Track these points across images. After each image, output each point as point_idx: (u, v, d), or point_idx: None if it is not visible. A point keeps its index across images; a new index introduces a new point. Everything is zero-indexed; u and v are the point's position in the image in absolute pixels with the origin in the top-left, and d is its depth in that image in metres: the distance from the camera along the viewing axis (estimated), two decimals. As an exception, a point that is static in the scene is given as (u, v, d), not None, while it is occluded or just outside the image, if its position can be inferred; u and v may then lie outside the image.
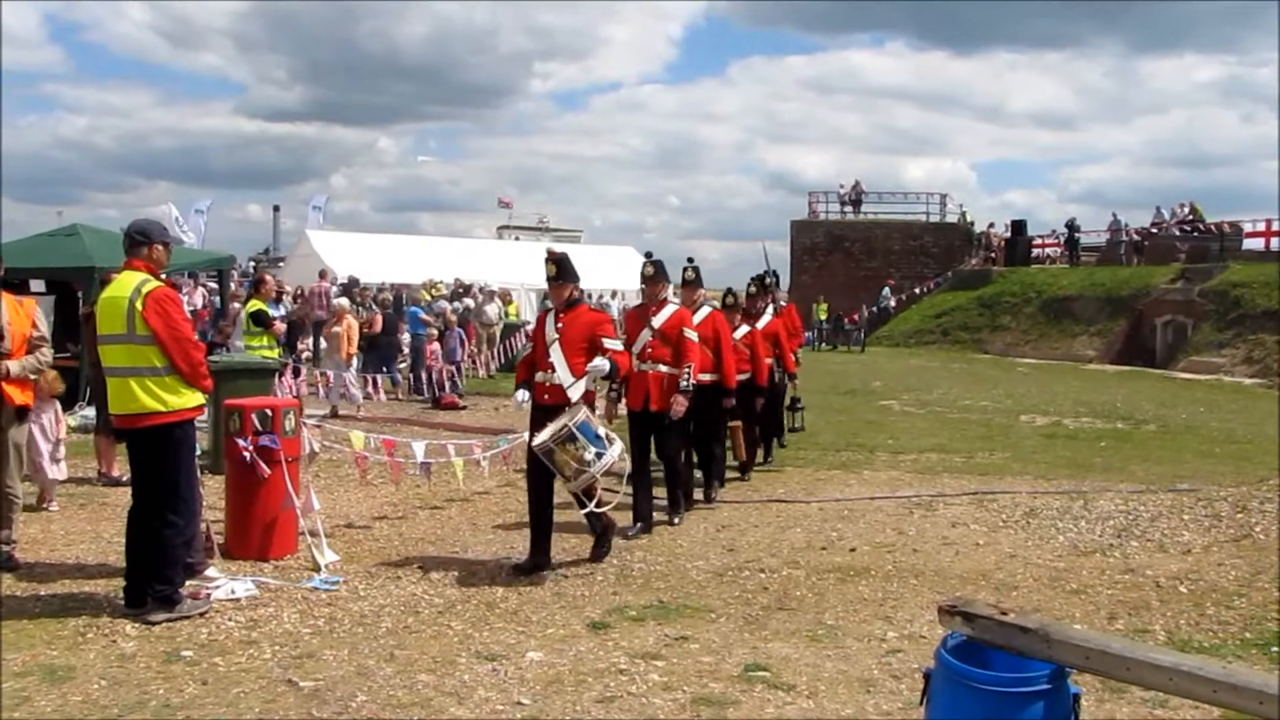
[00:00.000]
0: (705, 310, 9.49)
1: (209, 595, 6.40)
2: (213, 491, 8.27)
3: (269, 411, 7.42)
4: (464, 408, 16.98)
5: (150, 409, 6.04)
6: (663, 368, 8.34)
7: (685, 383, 8.21)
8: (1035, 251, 39.94)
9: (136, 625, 5.90)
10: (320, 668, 5.31)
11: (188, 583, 6.61)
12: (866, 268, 41.14)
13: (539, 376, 7.35)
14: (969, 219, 42.82)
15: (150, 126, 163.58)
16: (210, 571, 6.78)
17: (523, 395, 7.60)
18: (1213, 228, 33.69)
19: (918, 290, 39.47)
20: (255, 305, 12.73)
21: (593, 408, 7.41)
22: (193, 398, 6.19)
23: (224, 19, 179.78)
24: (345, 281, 24.90)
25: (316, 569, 7.02)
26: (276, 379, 11.98)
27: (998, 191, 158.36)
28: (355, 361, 16.43)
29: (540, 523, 7.28)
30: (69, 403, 12.50)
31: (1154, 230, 36.14)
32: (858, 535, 8.35)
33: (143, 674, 5.20)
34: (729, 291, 10.58)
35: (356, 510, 9.10)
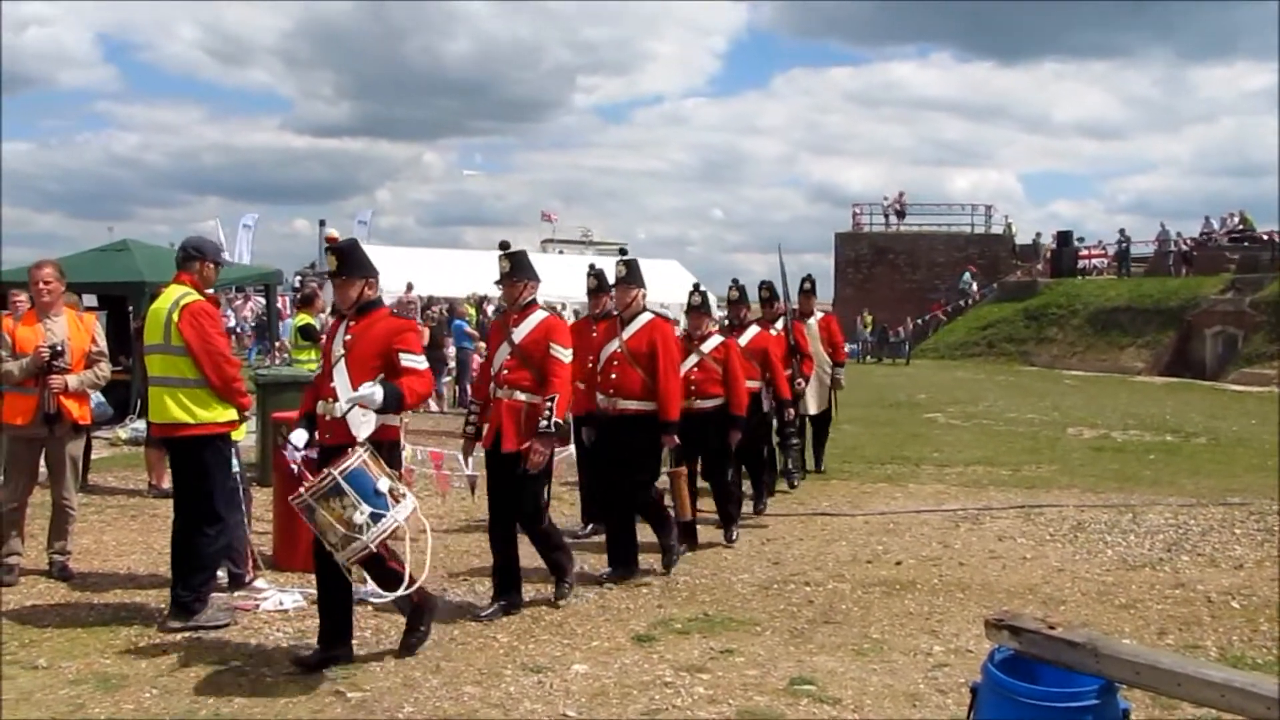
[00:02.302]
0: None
1: (257, 607, 6.47)
2: (260, 504, 8.35)
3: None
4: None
5: (179, 420, 6.19)
6: (520, 395, 6.43)
7: (546, 421, 6.32)
8: (1082, 263, 39.60)
9: (186, 635, 5.97)
10: (367, 679, 5.35)
11: (236, 594, 6.72)
12: (911, 280, 40.95)
13: (319, 408, 5.66)
14: (1014, 230, 42.56)
15: (200, 143, 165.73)
16: (259, 583, 6.87)
17: (300, 437, 5.70)
18: (1263, 237, 33.28)
19: (963, 303, 39.22)
20: (304, 320, 12.85)
21: (389, 449, 5.64)
22: (224, 413, 6.28)
23: (272, 37, 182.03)
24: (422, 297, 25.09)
25: (363, 581, 7.06)
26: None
27: (1044, 203, 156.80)
28: None
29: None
30: (120, 416, 12.69)
31: (1203, 240, 35.77)
32: (903, 549, 8.30)
33: (193, 683, 5.26)
34: (694, 289, 8.54)
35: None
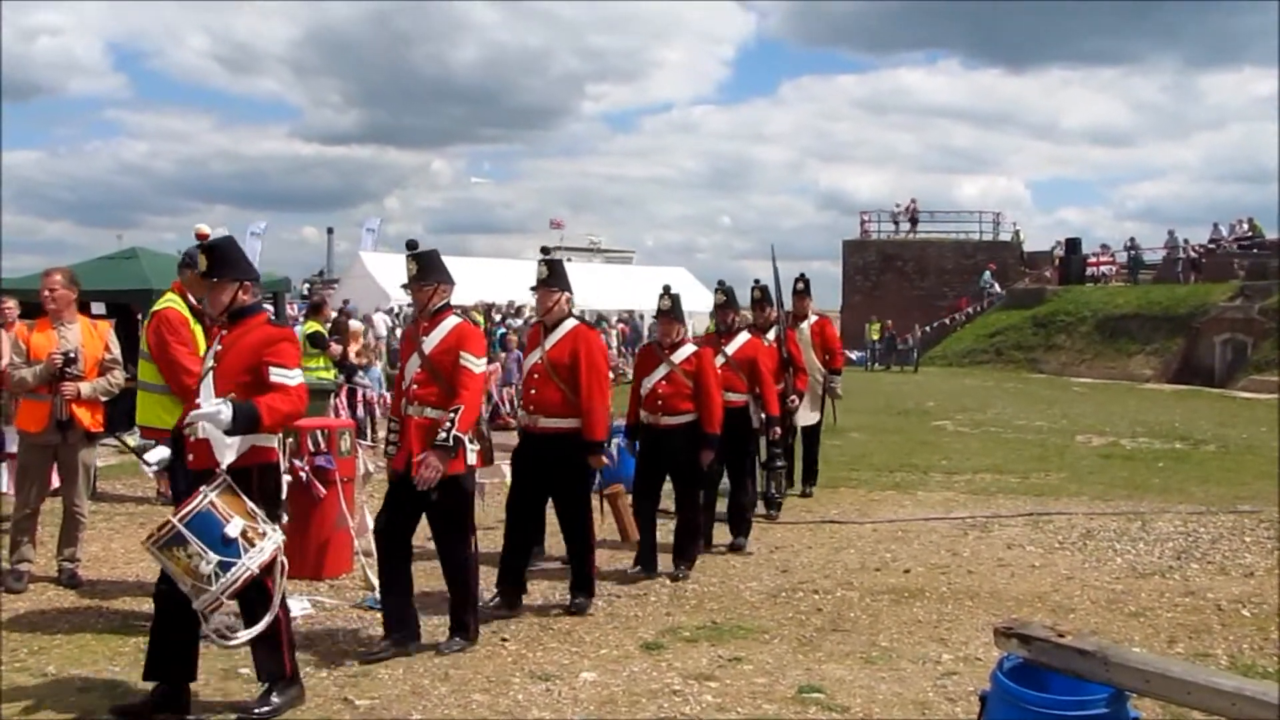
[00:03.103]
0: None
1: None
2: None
3: (325, 432, 7.51)
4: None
5: (149, 423, 6.40)
6: (430, 412, 5.81)
7: (445, 434, 5.66)
8: (1090, 270, 39.53)
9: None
10: (375, 686, 5.35)
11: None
12: (919, 287, 40.87)
13: (188, 425, 5.08)
14: (1022, 237, 42.49)
15: (208, 151, 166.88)
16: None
17: (157, 455, 5.27)
18: (1272, 244, 33.20)
19: (971, 310, 39.17)
20: (312, 327, 12.89)
21: (262, 475, 4.98)
22: None
23: (281, 46, 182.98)
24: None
25: (371, 588, 7.07)
26: (331, 399, 12.11)
27: (1053, 210, 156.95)
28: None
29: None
30: (128, 424, 12.71)
31: (1212, 247, 35.70)
32: (912, 556, 8.29)
33: (201, 691, 5.26)
34: (664, 291, 7.76)
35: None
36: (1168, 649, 6.07)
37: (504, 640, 6.11)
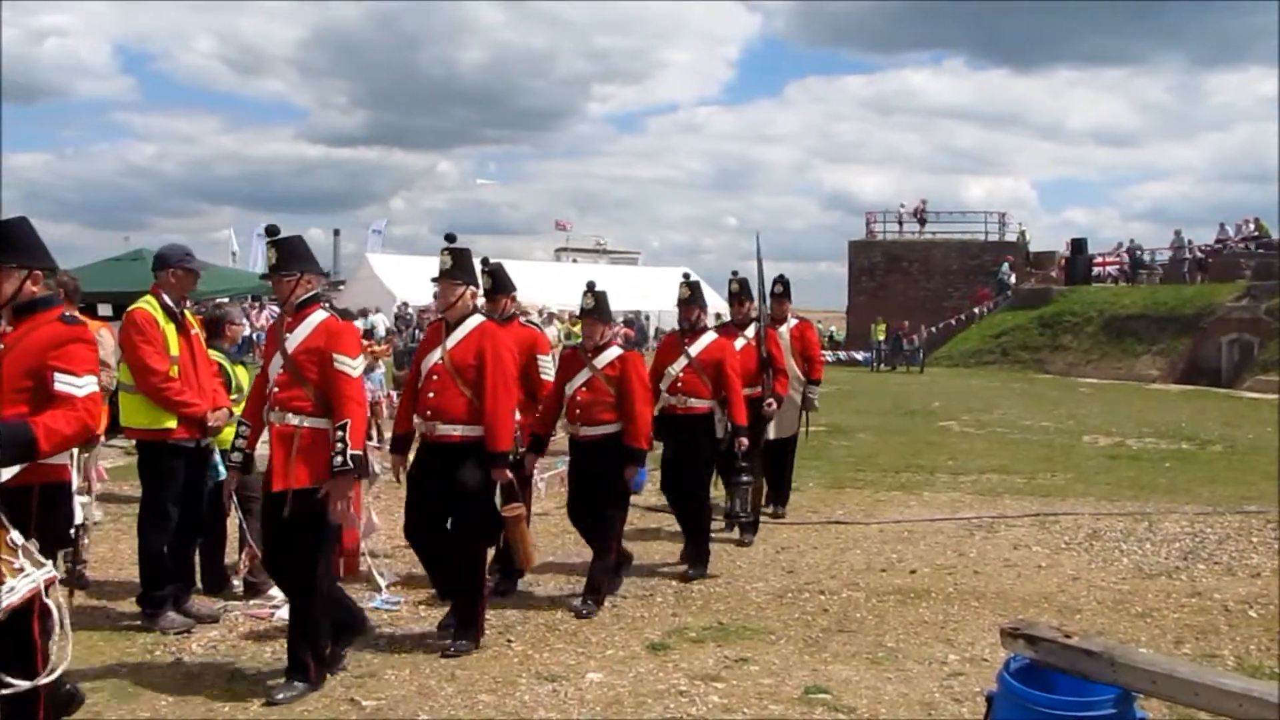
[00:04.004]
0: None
1: (272, 615, 6.49)
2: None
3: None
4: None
5: (132, 424, 6.46)
6: (292, 419, 5.18)
7: (340, 456, 5.04)
8: (1096, 270, 39.46)
9: (202, 644, 6.00)
10: (382, 687, 5.36)
11: (251, 602, 6.74)
12: (925, 288, 40.81)
13: None
14: (1028, 238, 42.43)
15: (215, 153, 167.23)
16: (272, 591, 6.87)
17: None
18: (1278, 244, 33.13)
19: (976, 310, 39.12)
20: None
21: (52, 498, 4.09)
22: (160, 419, 6.29)
23: (287, 47, 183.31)
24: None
25: (378, 589, 7.08)
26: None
27: (1059, 210, 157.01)
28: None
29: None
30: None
31: (1218, 247, 35.63)
32: (918, 557, 8.28)
33: (208, 691, 5.28)
34: (588, 288, 7.04)
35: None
36: (1174, 650, 6.06)
37: (510, 641, 6.12)
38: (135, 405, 6.32)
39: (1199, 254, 35.74)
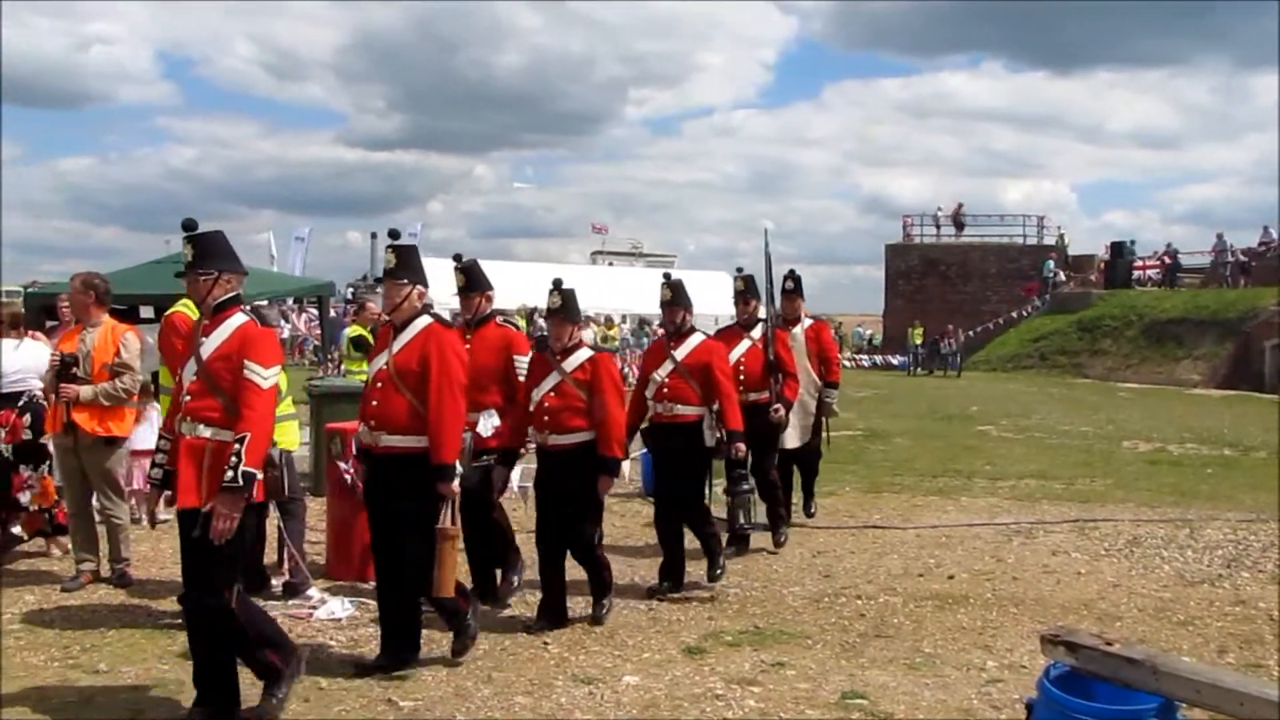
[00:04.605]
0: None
1: (311, 615, 6.53)
2: (314, 514, 8.42)
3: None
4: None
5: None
6: (205, 431, 4.76)
7: (232, 471, 4.57)
8: (1136, 273, 39.11)
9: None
10: (419, 688, 5.38)
11: (290, 602, 6.78)
12: (962, 291, 40.59)
13: None
14: (1067, 241, 42.11)
15: (255, 157, 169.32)
16: (311, 592, 6.92)
17: None
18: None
19: (1015, 314, 38.87)
20: (356, 331, 12.96)
21: None
22: None
23: (326, 52, 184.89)
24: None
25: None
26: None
27: (1099, 213, 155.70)
28: None
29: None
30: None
31: (1261, 250, 35.22)
32: (956, 562, 8.23)
33: (247, 690, 5.30)
34: (554, 287, 6.48)
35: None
36: (1218, 659, 5.99)
37: (546, 643, 6.13)
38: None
39: (1241, 257, 35.35)
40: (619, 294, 30.82)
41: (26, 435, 7.68)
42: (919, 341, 36.62)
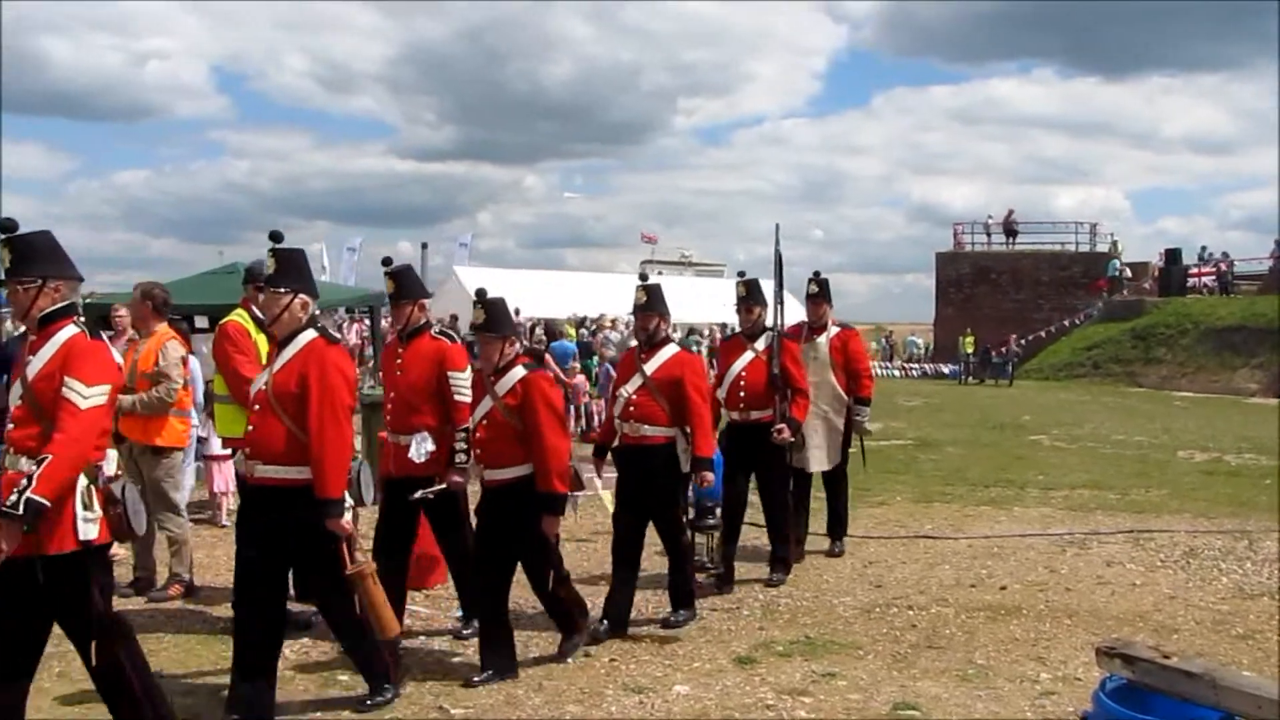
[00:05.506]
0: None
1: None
2: (366, 520, 8.47)
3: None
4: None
5: (227, 433, 6.64)
6: (25, 463, 4.12)
7: (17, 493, 3.95)
8: (1191, 281, 38.59)
9: (295, 650, 6.11)
10: (470, 696, 5.41)
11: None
12: (1014, 299, 40.22)
13: None
14: (1120, 248, 41.63)
15: (307, 169, 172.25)
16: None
17: None
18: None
19: (1067, 322, 38.48)
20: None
21: None
22: None
23: (377, 65, 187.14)
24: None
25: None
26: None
27: (1153, 220, 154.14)
28: None
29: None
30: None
31: (1321, 257, 34.67)
32: (1008, 573, 8.16)
33: (301, 697, 5.38)
34: (478, 298, 5.89)
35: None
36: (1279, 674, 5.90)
37: (596, 653, 6.14)
38: (231, 415, 6.46)
39: (1300, 264, 34.81)
40: (669, 303, 30.86)
41: None
42: (970, 350, 36.35)
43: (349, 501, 4.96)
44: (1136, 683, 3.62)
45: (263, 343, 6.46)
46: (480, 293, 5.86)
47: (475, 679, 5.58)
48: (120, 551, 8.04)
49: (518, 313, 25.48)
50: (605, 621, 6.45)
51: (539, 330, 21.81)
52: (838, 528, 8.79)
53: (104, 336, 4.46)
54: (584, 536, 9.36)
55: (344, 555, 4.94)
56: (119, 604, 6.92)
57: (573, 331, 23.14)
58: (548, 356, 17.81)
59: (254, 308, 6.53)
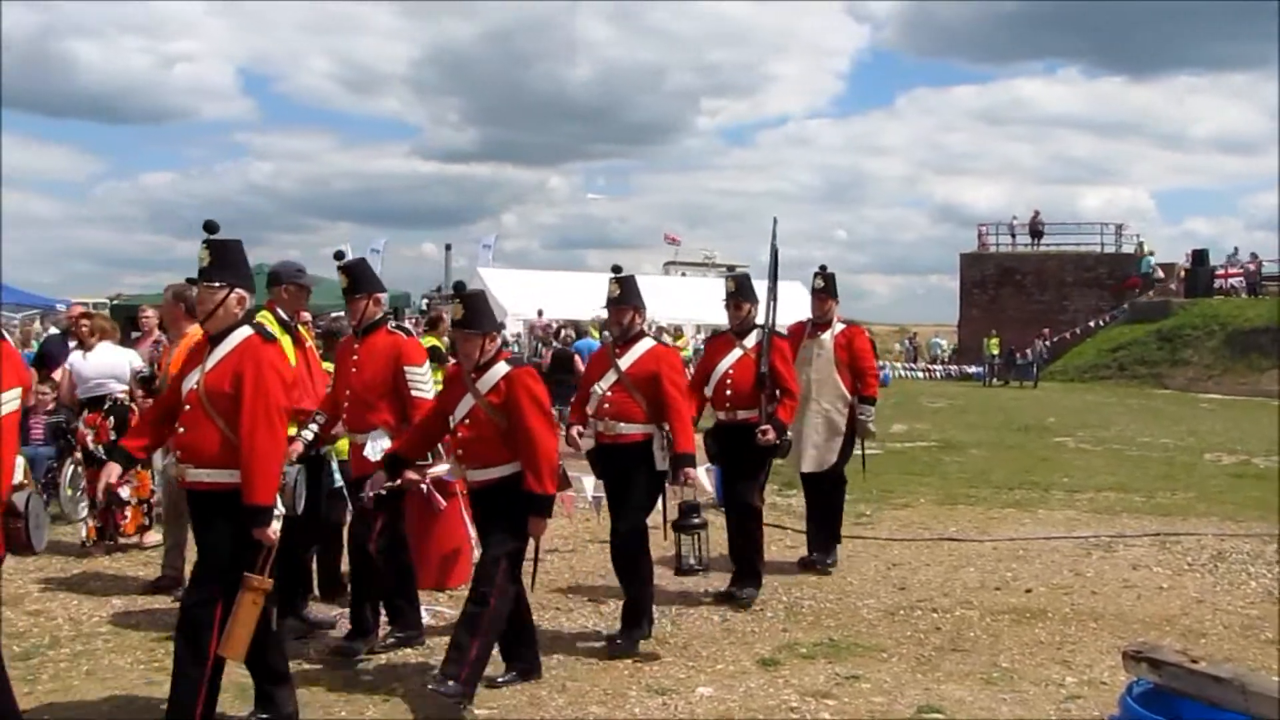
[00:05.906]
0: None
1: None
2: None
3: (444, 444, 7.63)
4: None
5: None
6: None
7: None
8: (1218, 282, 38.31)
9: (318, 649, 6.14)
10: (494, 696, 5.42)
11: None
12: (1039, 301, 40.05)
13: None
14: (1147, 249, 41.38)
15: (331, 170, 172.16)
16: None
17: None
18: None
19: (1092, 324, 38.27)
20: (430, 342, 13.08)
21: None
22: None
23: (401, 66, 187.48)
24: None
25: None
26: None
27: (1179, 221, 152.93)
28: None
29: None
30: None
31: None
32: (1033, 576, 8.12)
33: (326, 696, 5.40)
34: (456, 292, 5.84)
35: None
36: (1306, 677, 5.84)
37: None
38: None
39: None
40: (690, 304, 30.84)
41: (113, 436, 8.00)
42: (995, 352, 36.22)
43: (279, 509, 4.67)
44: (1163, 687, 3.58)
45: (287, 344, 6.48)
46: (459, 286, 5.72)
47: (499, 679, 5.53)
48: (149, 550, 8.14)
49: (541, 314, 25.52)
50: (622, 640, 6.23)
51: (565, 331, 21.83)
52: (827, 545, 8.27)
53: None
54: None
55: (261, 564, 4.67)
56: (145, 602, 7.01)
57: (595, 332, 23.13)
58: (577, 357, 17.85)
59: (279, 309, 6.56)
